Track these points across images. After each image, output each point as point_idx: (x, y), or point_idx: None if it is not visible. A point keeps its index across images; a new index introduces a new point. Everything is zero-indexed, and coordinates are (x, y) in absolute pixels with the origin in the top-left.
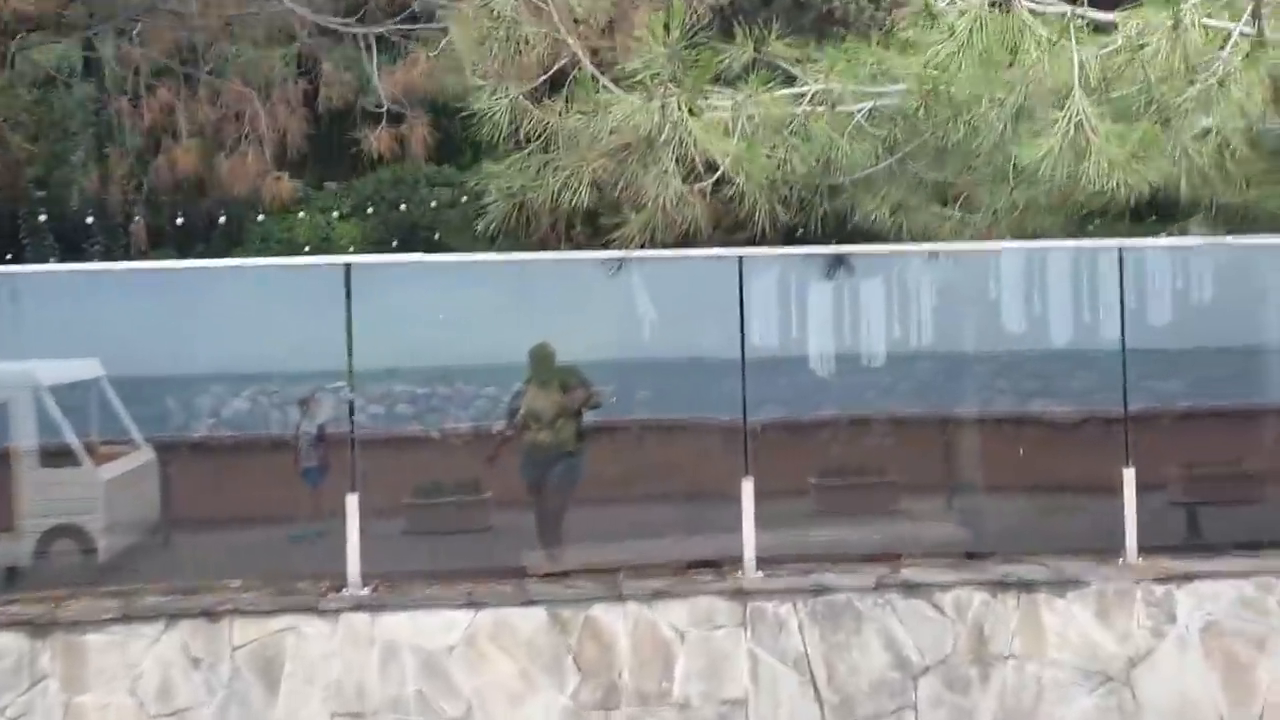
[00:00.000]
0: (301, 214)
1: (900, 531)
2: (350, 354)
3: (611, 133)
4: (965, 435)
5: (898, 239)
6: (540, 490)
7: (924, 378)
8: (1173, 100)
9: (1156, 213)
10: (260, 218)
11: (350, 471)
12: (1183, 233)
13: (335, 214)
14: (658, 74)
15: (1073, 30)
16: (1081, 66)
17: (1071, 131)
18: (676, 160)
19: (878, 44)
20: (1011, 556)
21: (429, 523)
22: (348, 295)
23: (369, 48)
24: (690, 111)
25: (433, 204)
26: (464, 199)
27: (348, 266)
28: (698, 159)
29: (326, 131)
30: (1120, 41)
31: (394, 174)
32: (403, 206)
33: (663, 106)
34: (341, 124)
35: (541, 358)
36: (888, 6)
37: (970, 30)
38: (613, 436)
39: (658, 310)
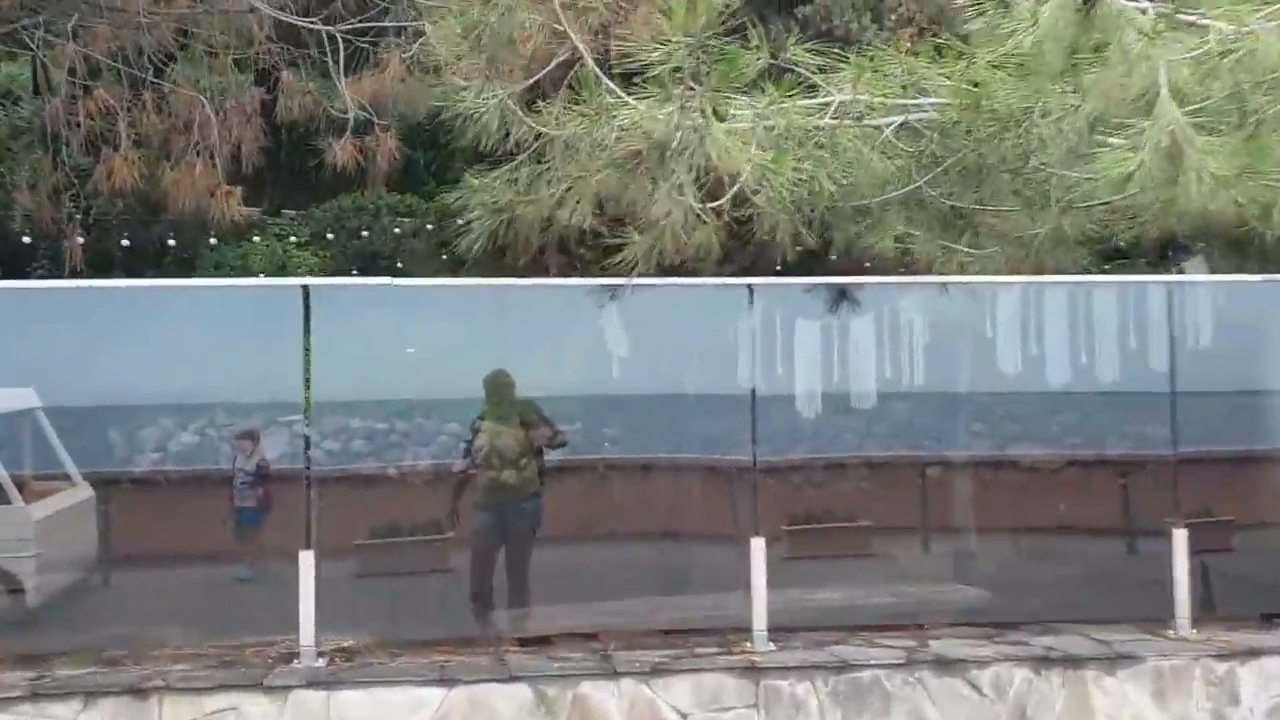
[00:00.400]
0: (258, 238)
1: (914, 592)
2: (307, 385)
3: (618, 139)
4: (985, 484)
5: (901, 270)
6: (500, 539)
7: (942, 419)
8: (1271, 110)
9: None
10: (213, 241)
11: (305, 522)
12: (1180, 271)
13: (293, 240)
14: (679, 69)
15: (1156, 26)
16: (1168, 70)
17: (1165, 142)
18: (693, 173)
19: (907, 53)
20: (1051, 626)
21: (386, 567)
22: (306, 320)
23: (335, 55)
24: (716, 114)
25: (396, 231)
26: (429, 226)
27: (305, 289)
28: (724, 172)
29: (286, 155)
30: (1212, 43)
31: (355, 201)
32: (365, 234)
33: (682, 107)
34: (301, 147)
35: (498, 386)
36: (892, 26)
37: (1057, 19)
38: (591, 480)
39: (653, 343)
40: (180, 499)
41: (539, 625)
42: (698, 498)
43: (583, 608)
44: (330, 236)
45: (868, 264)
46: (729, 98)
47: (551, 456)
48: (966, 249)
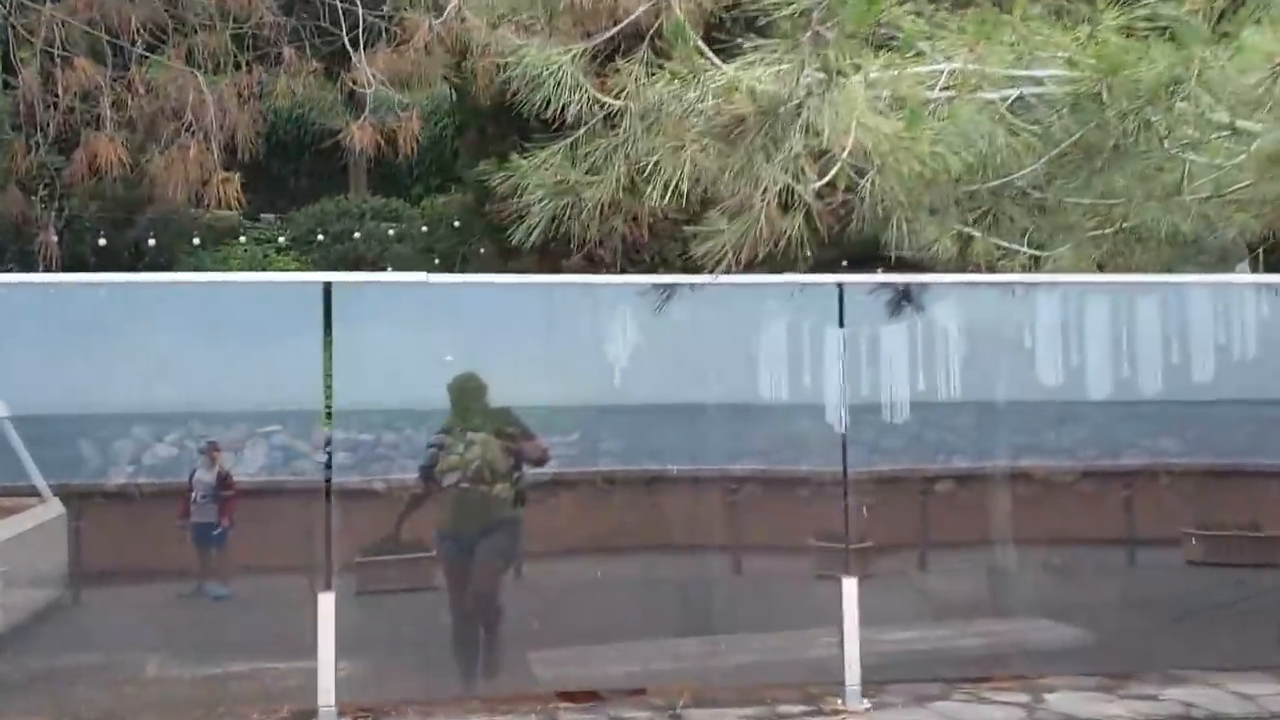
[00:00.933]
0: (242, 238)
1: (1004, 631)
2: (329, 392)
3: (718, 103)
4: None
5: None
6: (469, 562)
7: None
8: None
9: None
10: (196, 240)
11: (325, 558)
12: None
13: (280, 240)
14: (806, 11)
15: None
16: None
17: None
18: (805, 143)
19: (1021, 17)
20: (1171, 675)
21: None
22: (327, 319)
23: (351, 28)
24: (856, 67)
25: (390, 232)
26: (424, 228)
27: (327, 285)
28: (844, 144)
29: (265, 158)
30: None
31: (338, 205)
32: (356, 235)
33: (810, 58)
34: (280, 151)
35: (466, 392)
36: (949, 5)
37: None
38: (629, 498)
39: (715, 348)
40: (157, 515)
41: (590, 675)
42: (768, 521)
43: (628, 648)
44: (321, 238)
45: (880, 267)
46: (862, 49)
47: (542, 470)
48: (1042, 250)
